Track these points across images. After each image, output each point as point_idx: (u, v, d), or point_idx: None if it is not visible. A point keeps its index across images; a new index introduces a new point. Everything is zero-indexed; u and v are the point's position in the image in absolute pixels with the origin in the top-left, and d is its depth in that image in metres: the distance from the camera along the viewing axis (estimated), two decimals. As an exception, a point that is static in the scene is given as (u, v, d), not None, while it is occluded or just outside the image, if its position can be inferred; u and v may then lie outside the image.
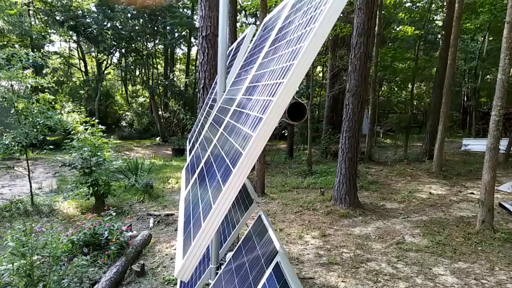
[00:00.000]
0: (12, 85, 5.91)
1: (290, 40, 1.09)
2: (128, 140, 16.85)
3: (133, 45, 18.28)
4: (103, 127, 5.91)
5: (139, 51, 18.87)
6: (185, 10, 19.78)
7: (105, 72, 21.41)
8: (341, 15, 9.56)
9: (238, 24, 14.71)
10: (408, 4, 14.16)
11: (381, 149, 13.91)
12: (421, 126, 20.45)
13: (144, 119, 20.00)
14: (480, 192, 4.94)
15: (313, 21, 0.89)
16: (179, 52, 23.43)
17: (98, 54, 19.63)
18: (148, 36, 18.92)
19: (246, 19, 20.92)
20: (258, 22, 14.39)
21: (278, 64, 1.07)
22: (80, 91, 19.64)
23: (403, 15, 12.79)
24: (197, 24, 16.96)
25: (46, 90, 6.36)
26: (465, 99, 21.16)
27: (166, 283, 3.51)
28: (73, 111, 6.73)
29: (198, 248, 0.89)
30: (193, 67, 21.46)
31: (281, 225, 5.21)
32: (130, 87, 23.79)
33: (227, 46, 2.15)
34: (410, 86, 15.21)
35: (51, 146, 6.22)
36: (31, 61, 5.80)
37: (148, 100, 20.81)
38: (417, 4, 14.41)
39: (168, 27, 18.03)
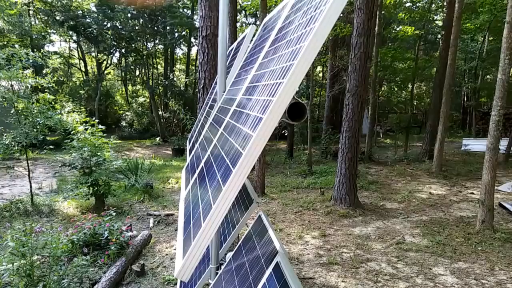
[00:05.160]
0: (12, 85, 5.90)
1: (290, 40, 1.09)
2: (128, 140, 16.84)
3: (133, 45, 18.28)
4: (103, 127, 5.90)
5: (139, 51, 18.87)
6: (185, 10, 19.78)
7: (105, 72, 21.40)
8: (341, 15, 9.56)
9: (238, 24, 14.72)
10: (408, 4, 14.16)
11: (381, 149, 13.91)
12: (421, 126, 20.43)
13: (144, 119, 20.00)
14: (480, 192, 4.94)
15: (313, 21, 0.89)
16: (179, 52, 23.45)
17: (98, 54, 19.63)
18: (148, 36, 18.92)
19: (246, 19, 20.92)
20: (258, 22, 14.39)
21: (278, 64, 1.07)
22: (80, 91, 19.63)
23: (403, 15, 12.79)
24: (197, 24, 16.96)
25: (46, 90, 6.36)
26: (465, 99, 21.15)
27: (166, 283, 3.51)
28: (73, 111, 6.72)
29: (198, 248, 0.89)
30: (193, 67, 21.45)
31: (281, 225, 5.21)
32: (130, 87, 23.78)
33: (227, 46, 2.15)
34: (410, 86, 15.21)
35: (51, 146, 6.21)
36: (31, 61, 5.80)
37: (148, 100, 20.80)
38: (417, 4, 14.41)
39: (168, 27, 18.03)
